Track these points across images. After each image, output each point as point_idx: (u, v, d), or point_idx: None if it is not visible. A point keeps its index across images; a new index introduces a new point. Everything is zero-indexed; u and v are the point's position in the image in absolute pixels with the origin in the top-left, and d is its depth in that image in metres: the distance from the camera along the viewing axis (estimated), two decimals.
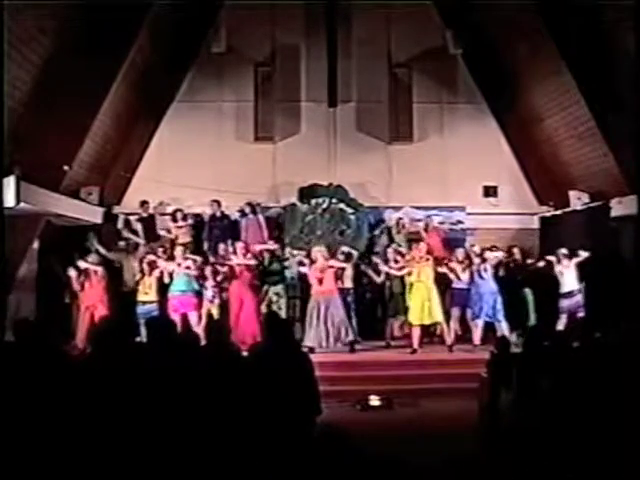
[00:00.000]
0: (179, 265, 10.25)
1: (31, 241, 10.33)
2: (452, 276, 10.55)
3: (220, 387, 4.50)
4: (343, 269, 10.33)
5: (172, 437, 4.25)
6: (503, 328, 9.95)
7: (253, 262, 10.70)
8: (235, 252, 10.70)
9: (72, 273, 10.25)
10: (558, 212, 12.54)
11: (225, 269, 10.47)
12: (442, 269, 10.55)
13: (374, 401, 8.38)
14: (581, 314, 10.08)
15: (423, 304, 9.99)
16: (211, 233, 12.09)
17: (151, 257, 10.69)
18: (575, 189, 11.98)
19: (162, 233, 12.08)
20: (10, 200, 8.43)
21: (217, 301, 10.31)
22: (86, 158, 11.19)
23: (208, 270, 10.40)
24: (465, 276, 10.52)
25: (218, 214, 12.23)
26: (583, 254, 10.29)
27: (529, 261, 11.68)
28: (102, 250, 10.89)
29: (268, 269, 11.06)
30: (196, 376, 4.53)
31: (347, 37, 12.96)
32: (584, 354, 5.49)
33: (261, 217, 12.23)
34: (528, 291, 10.87)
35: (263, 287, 10.88)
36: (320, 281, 10.04)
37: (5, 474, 3.98)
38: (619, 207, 10.76)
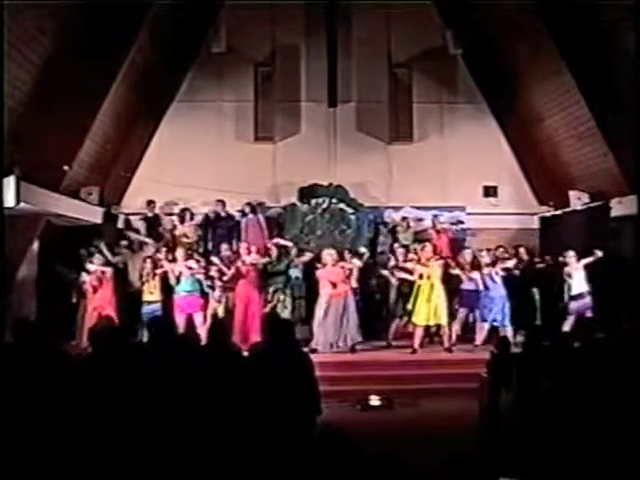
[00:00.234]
0: (190, 268, 10.16)
1: (31, 241, 10.32)
2: (463, 277, 10.54)
3: (220, 387, 4.50)
4: (350, 270, 10.29)
5: (172, 437, 4.25)
6: (508, 332, 9.91)
7: (264, 260, 10.65)
8: (239, 252, 10.65)
9: (86, 277, 10.20)
10: (558, 212, 12.54)
11: (232, 269, 10.39)
12: (451, 270, 10.52)
13: (374, 401, 8.37)
14: (589, 314, 10.04)
15: (430, 305, 9.96)
16: (215, 233, 12.08)
17: (157, 256, 10.68)
18: (575, 189, 11.98)
19: (168, 233, 12.06)
20: (10, 200, 8.42)
21: (223, 301, 10.30)
22: (86, 158, 11.19)
23: (214, 270, 10.38)
24: (474, 277, 10.53)
25: (223, 214, 12.23)
26: (594, 255, 10.15)
27: (536, 260, 11.64)
28: (107, 253, 10.81)
29: (273, 269, 11.00)
30: (196, 376, 4.54)
31: (347, 37, 12.97)
32: (585, 354, 5.49)
33: (261, 217, 12.24)
34: (535, 291, 10.85)
35: (268, 287, 10.84)
36: (333, 284, 10.04)
37: (5, 474, 3.98)
38: (619, 207, 10.76)
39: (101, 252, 10.71)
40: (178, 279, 10.12)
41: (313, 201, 12.59)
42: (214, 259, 10.64)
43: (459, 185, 13.10)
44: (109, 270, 10.27)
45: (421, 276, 10.07)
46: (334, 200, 12.59)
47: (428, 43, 13.24)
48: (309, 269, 11.08)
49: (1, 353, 4.97)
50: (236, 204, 12.42)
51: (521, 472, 4.80)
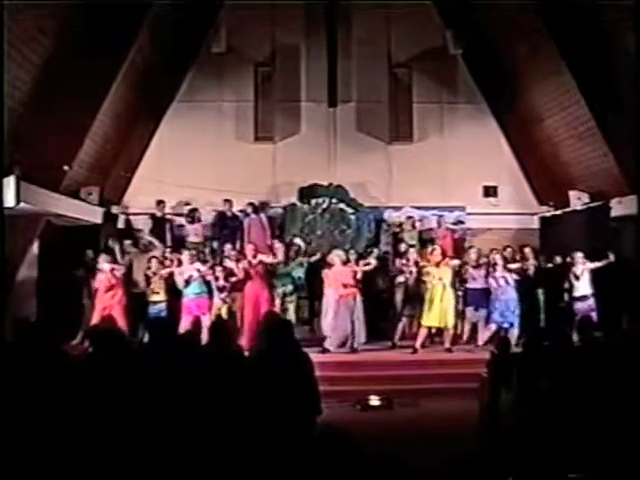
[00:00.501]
0: (198, 270, 10.11)
1: (31, 241, 10.32)
2: (469, 276, 10.57)
3: (220, 387, 4.50)
4: (355, 272, 10.29)
5: (172, 437, 4.25)
6: (514, 333, 9.90)
7: (273, 261, 10.63)
8: (244, 253, 10.62)
9: (100, 276, 10.13)
10: (558, 212, 12.54)
11: (240, 269, 10.35)
12: (457, 269, 10.54)
13: (374, 401, 8.37)
14: (593, 316, 10.02)
15: (441, 307, 9.96)
16: (221, 233, 12.05)
17: (163, 256, 10.69)
18: (575, 189, 11.98)
19: (174, 234, 12.04)
20: (10, 200, 8.41)
21: (229, 301, 10.30)
22: (86, 158, 11.19)
23: (219, 271, 10.37)
24: (480, 277, 10.55)
25: (229, 214, 12.21)
26: (606, 258, 10.14)
27: (542, 261, 11.60)
28: (118, 253, 10.76)
29: (281, 269, 10.96)
30: (196, 376, 4.54)
31: (347, 37, 12.98)
32: (584, 354, 5.49)
33: (264, 217, 12.21)
34: (540, 292, 10.85)
35: (275, 288, 10.80)
36: (343, 285, 10.04)
37: (5, 474, 3.98)
38: (619, 207, 10.76)
39: (112, 252, 10.65)
40: (187, 282, 10.04)
41: (313, 201, 12.59)
42: (227, 261, 10.49)
43: (459, 185, 13.10)
44: (121, 270, 10.20)
45: (433, 277, 10.06)
46: (334, 200, 12.60)
47: (428, 43, 13.24)
48: (312, 269, 11.11)
49: (1, 353, 4.97)
50: (236, 204, 12.39)
51: (521, 472, 4.81)
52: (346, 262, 10.32)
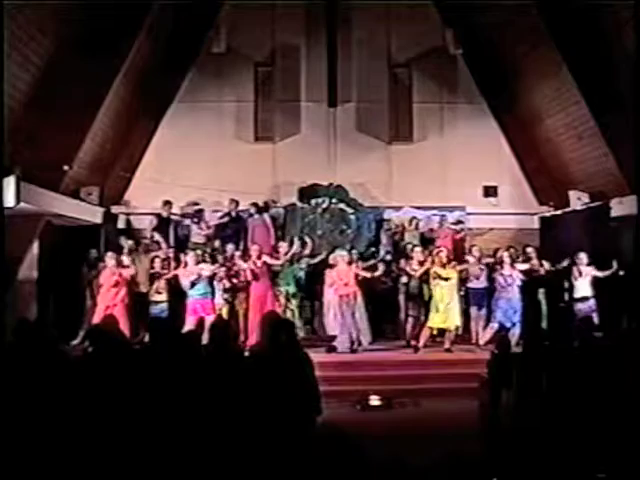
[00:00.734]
0: (203, 271, 10.08)
1: (31, 241, 10.32)
2: (471, 276, 10.58)
3: (221, 387, 4.50)
4: (357, 275, 10.29)
5: (172, 437, 4.25)
6: (515, 333, 9.91)
7: (279, 262, 10.60)
8: (248, 253, 10.61)
9: (109, 275, 10.05)
10: (558, 212, 12.53)
11: (248, 269, 10.35)
12: (460, 268, 10.54)
13: (374, 401, 8.36)
14: (594, 317, 10.02)
15: (448, 308, 9.95)
16: (225, 233, 12.02)
17: (168, 257, 10.68)
18: (575, 189, 11.97)
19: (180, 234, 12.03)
20: (10, 200, 8.41)
21: (236, 303, 10.30)
22: (86, 158, 11.18)
23: (225, 271, 10.33)
24: (483, 276, 10.58)
25: (233, 214, 12.19)
26: (610, 269, 10.14)
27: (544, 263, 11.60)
28: (126, 252, 10.72)
29: (281, 269, 10.89)
30: (197, 376, 4.54)
31: (347, 37, 12.99)
32: (584, 354, 5.49)
33: (267, 217, 12.19)
34: (542, 292, 10.85)
35: (279, 288, 10.77)
36: (345, 285, 10.04)
37: (5, 473, 3.98)
38: (619, 207, 10.75)
39: (118, 250, 10.62)
40: (193, 283, 9.98)
41: (313, 201, 12.60)
42: (240, 262, 10.47)
43: (459, 185, 13.08)
44: (130, 271, 10.15)
45: (439, 278, 10.06)
46: (334, 200, 12.60)
47: (428, 43, 13.25)
48: (314, 270, 11.13)
49: (1, 353, 4.97)
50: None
51: (521, 472, 4.80)
52: (349, 262, 10.33)
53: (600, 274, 10.20)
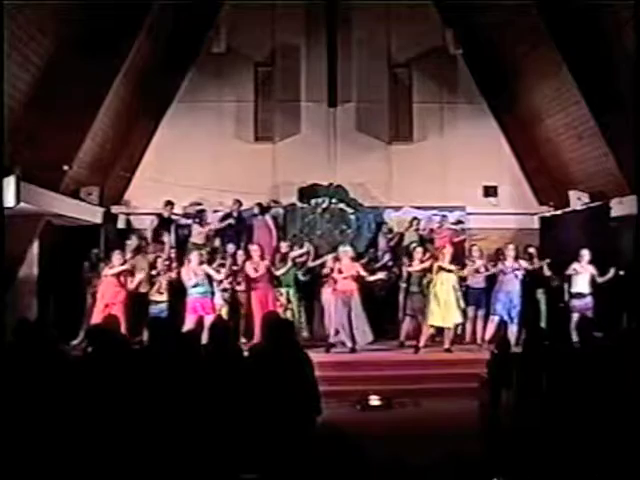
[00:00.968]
0: (205, 271, 10.09)
1: (31, 241, 10.32)
2: (470, 275, 10.60)
3: (221, 387, 4.50)
4: (358, 274, 10.30)
5: (172, 436, 4.25)
6: (514, 329, 9.95)
7: (283, 269, 10.59)
8: (250, 254, 10.60)
9: (110, 276, 10.03)
10: (558, 212, 12.53)
11: (249, 270, 10.32)
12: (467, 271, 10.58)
13: (374, 401, 8.37)
14: (589, 314, 10.04)
15: (447, 306, 9.97)
16: (227, 233, 12.00)
17: (170, 257, 10.69)
18: (575, 189, 11.96)
19: (182, 234, 12.02)
20: (10, 200, 8.40)
21: (239, 303, 10.28)
22: (86, 158, 11.18)
23: (226, 271, 10.32)
24: (481, 276, 10.63)
25: (235, 214, 12.18)
26: (609, 275, 10.20)
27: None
28: (128, 253, 10.72)
29: (286, 270, 10.92)
30: (197, 376, 4.54)
31: (347, 37, 12.98)
32: (584, 354, 5.49)
33: (269, 218, 12.19)
34: (541, 291, 10.86)
35: (279, 288, 10.76)
36: (344, 278, 10.08)
37: (5, 473, 3.98)
38: (619, 207, 10.75)
39: (123, 249, 10.60)
40: (195, 282, 9.96)
41: (313, 201, 12.61)
42: (247, 263, 10.44)
43: (459, 185, 13.08)
44: (130, 269, 10.14)
45: (440, 276, 10.08)
46: (334, 200, 12.62)
47: (428, 43, 13.24)
48: (313, 271, 11.17)
49: (1, 353, 4.97)
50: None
51: (521, 472, 4.80)
52: (353, 259, 10.39)
53: (598, 277, 10.20)
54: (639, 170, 8.60)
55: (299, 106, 13.31)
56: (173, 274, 10.27)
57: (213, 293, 10.16)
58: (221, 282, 10.26)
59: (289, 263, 10.72)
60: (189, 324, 9.54)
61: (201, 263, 10.13)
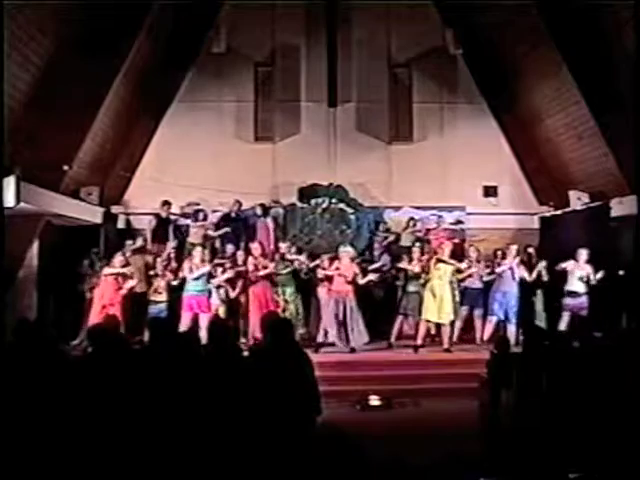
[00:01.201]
0: (205, 269, 10.09)
1: (31, 241, 10.32)
2: (472, 275, 10.62)
3: (220, 387, 4.50)
4: (355, 273, 10.30)
5: (172, 436, 4.25)
6: (511, 329, 9.96)
7: (285, 269, 10.58)
8: (250, 253, 10.60)
9: (109, 276, 10.02)
10: (558, 212, 12.53)
11: (250, 269, 10.32)
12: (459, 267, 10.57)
13: (374, 401, 8.37)
14: (584, 314, 10.04)
15: (442, 303, 9.99)
16: (226, 233, 12.00)
17: (170, 256, 10.69)
18: (575, 189, 11.97)
19: (180, 234, 12.01)
20: (10, 200, 8.40)
21: (229, 302, 10.29)
22: (86, 158, 11.19)
23: (223, 271, 10.32)
24: (478, 276, 10.65)
25: (233, 215, 12.17)
26: (601, 273, 10.12)
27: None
28: (128, 253, 10.71)
29: (280, 269, 10.92)
30: (196, 376, 4.54)
31: (347, 37, 12.99)
32: (584, 354, 5.49)
33: (270, 219, 12.20)
34: (539, 292, 10.85)
35: (278, 287, 10.76)
36: (339, 276, 10.09)
37: (5, 473, 3.98)
38: (619, 207, 10.75)
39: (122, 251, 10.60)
40: (196, 280, 9.93)
41: (313, 201, 12.61)
42: (250, 258, 10.46)
43: (459, 185, 13.09)
44: (130, 269, 10.12)
45: (438, 272, 10.09)
46: (334, 200, 12.62)
47: (428, 43, 13.25)
48: (311, 271, 11.11)
49: (1, 353, 4.97)
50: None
51: (521, 472, 4.81)
52: (352, 259, 10.39)
53: (592, 276, 10.13)
54: (639, 170, 8.60)
55: (299, 106, 13.32)
56: (171, 274, 10.28)
57: (210, 292, 10.16)
58: (220, 286, 10.26)
59: (289, 263, 10.72)
60: (184, 321, 9.56)
61: (203, 261, 10.13)
